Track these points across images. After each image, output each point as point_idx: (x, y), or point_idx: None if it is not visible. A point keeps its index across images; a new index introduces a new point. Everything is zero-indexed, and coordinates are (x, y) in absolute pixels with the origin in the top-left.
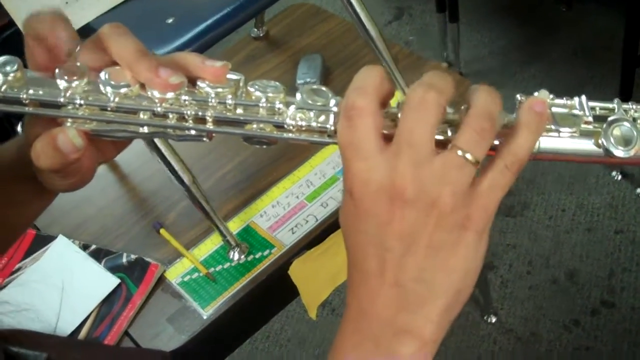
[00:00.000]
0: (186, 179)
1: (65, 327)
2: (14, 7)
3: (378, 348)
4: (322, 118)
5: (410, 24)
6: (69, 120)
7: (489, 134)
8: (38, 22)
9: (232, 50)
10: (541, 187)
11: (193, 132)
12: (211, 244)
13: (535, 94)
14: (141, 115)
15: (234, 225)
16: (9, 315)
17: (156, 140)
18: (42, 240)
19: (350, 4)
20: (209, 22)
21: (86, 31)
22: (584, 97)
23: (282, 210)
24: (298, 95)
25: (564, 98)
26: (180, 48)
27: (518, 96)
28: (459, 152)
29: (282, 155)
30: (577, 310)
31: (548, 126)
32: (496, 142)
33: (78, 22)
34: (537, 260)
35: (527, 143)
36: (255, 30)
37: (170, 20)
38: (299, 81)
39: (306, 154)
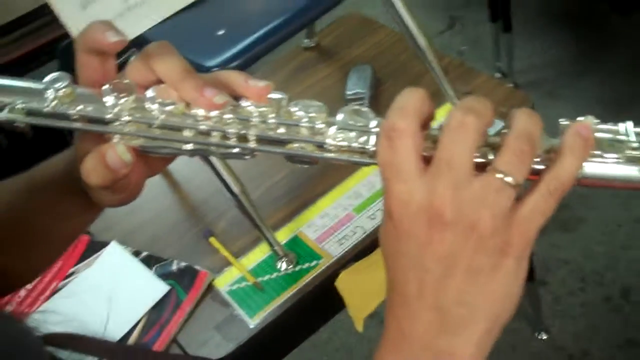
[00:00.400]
0: (236, 189)
1: (116, 333)
2: (68, 18)
3: None
4: (362, 139)
5: (462, 33)
6: (116, 136)
7: (528, 156)
8: (91, 31)
9: (283, 60)
10: (597, 202)
11: (236, 150)
12: (260, 253)
13: (580, 118)
14: (185, 133)
15: (282, 235)
16: (60, 325)
17: None
18: (96, 246)
19: (399, 16)
20: (259, 33)
21: (139, 42)
22: (629, 123)
23: (330, 221)
24: (339, 116)
25: (609, 123)
26: (231, 59)
27: (561, 121)
28: (499, 175)
29: (330, 166)
30: (632, 330)
31: (592, 151)
32: (539, 167)
33: (132, 33)
34: (590, 276)
35: (571, 168)
36: (306, 40)
37: (221, 32)
38: (348, 92)
39: (355, 165)
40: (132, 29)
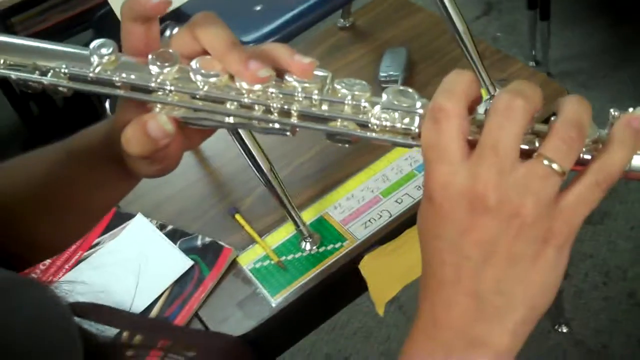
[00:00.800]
0: (264, 166)
1: (138, 305)
2: None
3: (450, 358)
4: (406, 120)
5: (499, 19)
6: (158, 106)
7: (577, 144)
8: (137, 3)
9: (318, 39)
10: (624, 195)
11: (277, 125)
12: (284, 233)
13: (631, 109)
14: (228, 106)
15: (308, 215)
16: (85, 295)
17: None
18: (121, 218)
19: None
20: (296, 11)
21: (177, 15)
22: None
23: (357, 204)
24: (384, 96)
25: None
26: (267, 35)
27: (612, 111)
28: (545, 162)
29: (360, 148)
30: None
31: None
32: (587, 157)
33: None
34: (614, 271)
35: (621, 160)
36: (342, 20)
37: (258, 8)
38: (382, 74)
39: (384, 148)
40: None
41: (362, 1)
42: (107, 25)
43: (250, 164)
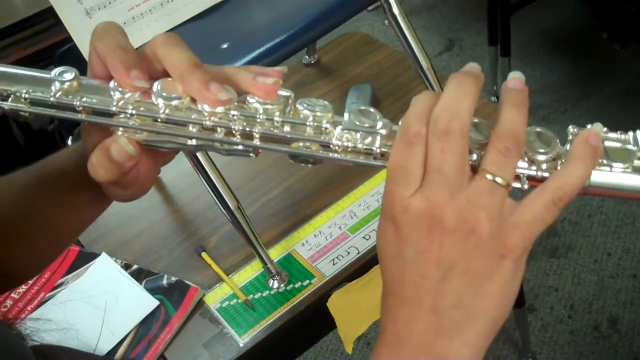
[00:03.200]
0: (231, 204)
1: (103, 347)
2: (72, 23)
3: None
4: (368, 140)
5: (460, 55)
6: (120, 129)
7: (514, 153)
8: (100, 42)
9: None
10: (587, 229)
11: (240, 147)
12: (251, 271)
13: (589, 126)
14: (190, 128)
15: (275, 253)
16: (51, 333)
17: (203, 162)
18: (85, 257)
19: (404, 35)
20: (262, 49)
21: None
22: (638, 132)
23: (324, 240)
24: (346, 116)
25: (618, 132)
26: None
27: (570, 128)
28: (489, 176)
29: (327, 184)
30: (619, 359)
31: (600, 160)
32: (545, 174)
33: (135, 43)
34: (579, 304)
35: (579, 177)
36: (307, 57)
37: (225, 46)
38: (347, 110)
39: (351, 184)
40: (136, 39)
41: (327, 38)
42: (69, 62)
43: (217, 201)
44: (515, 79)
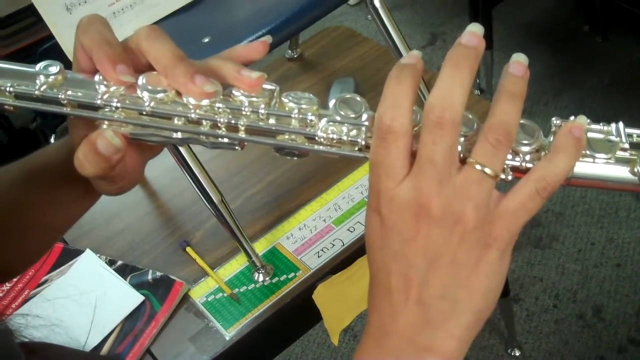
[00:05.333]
0: (215, 198)
1: (88, 342)
2: (53, 20)
3: None
4: (353, 132)
5: (443, 49)
6: (105, 122)
7: (504, 146)
8: (85, 36)
9: (266, 70)
10: (571, 219)
11: (225, 140)
12: (237, 265)
13: (572, 118)
14: (175, 121)
15: (260, 247)
16: (39, 329)
17: (186, 157)
18: (70, 254)
19: (386, 28)
20: (244, 42)
21: None
22: (621, 124)
23: (309, 233)
24: (331, 107)
25: (601, 124)
26: None
27: (554, 119)
28: (478, 167)
29: (311, 178)
30: (604, 347)
31: (583, 151)
32: (529, 165)
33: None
34: (563, 294)
35: (562, 169)
36: (290, 51)
37: (206, 40)
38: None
39: (335, 177)
40: (117, 34)
41: (309, 32)
42: (52, 59)
43: (201, 196)
44: (517, 62)
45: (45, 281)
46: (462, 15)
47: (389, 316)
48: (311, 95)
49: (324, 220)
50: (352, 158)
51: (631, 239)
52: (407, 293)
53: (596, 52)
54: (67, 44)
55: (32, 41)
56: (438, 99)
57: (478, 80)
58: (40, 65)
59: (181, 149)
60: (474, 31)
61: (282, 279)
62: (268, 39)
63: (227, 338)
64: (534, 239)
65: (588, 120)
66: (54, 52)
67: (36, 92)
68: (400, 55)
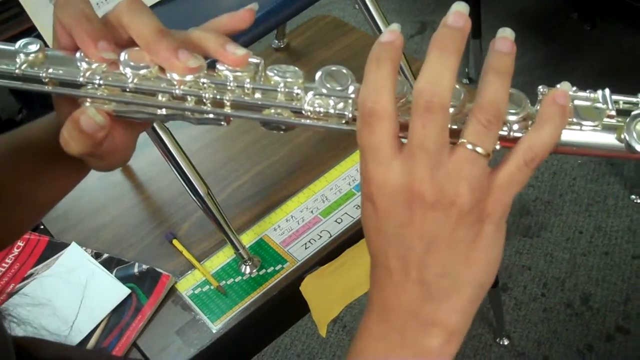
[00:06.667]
0: (201, 190)
1: (74, 336)
2: (35, 11)
3: (404, 339)
4: (340, 105)
5: None
6: (88, 100)
7: (495, 125)
8: (64, 13)
9: None
10: (559, 208)
11: (211, 115)
12: (223, 257)
13: (558, 85)
14: (159, 97)
15: (247, 238)
16: (26, 308)
17: (171, 149)
18: (55, 248)
19: (372, 18)
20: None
21: None
22: (607, 91)
23: (296, 225)
24: (317, 79)
25: (588, 91)
26: None
27: (540, 88)
28: (469, 146)
29: (298, 169)
30: (592, 336)
31: (570, 119)
32: (517, 135)
33: None
34: (552, 282)
35: (549, 138)
36: (276, 41)
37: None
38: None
39: (323, 168)
40: None
41: (296, 22)
42: None
43: (187, 188)
44: (504, 38)
45: (31, 275)
46: (451, 3)
47: (391, 293)
48: (296, 68)
49: (312, 212)
50: (339, 131)
51: (619, 228)
52: (407, 273)
53: (585, 40)
54: (50, 36)
55: (17, 32)
56: (426, 83)
57: (467, 70)
58: (19, 43)
59: (166, 140)
60: (460, 10)
61: (269, 270)
62: (254, 6)
63: (214, 331)
64: (522, 228)
65: (574, 88)
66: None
67: (17, 71)
68: None
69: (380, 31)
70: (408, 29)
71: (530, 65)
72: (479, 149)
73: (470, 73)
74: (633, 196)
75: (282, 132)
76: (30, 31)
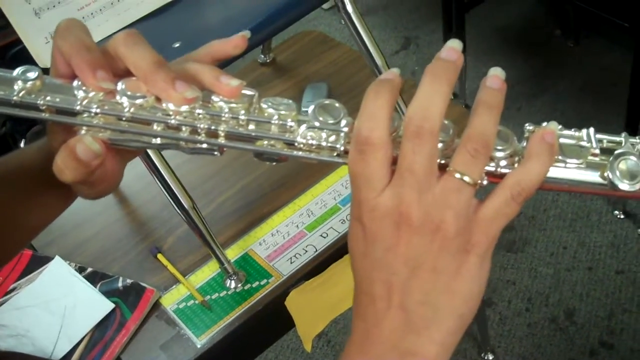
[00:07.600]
0: (186, 204)
1: (57, 351)
2: (20, 24)
3: None
4: (332, 138)
5: (417, 53)
6: (84, 128)
7: (482, 155)
8: (64, 41)
9: (239, 75)
10: (543, 223)
11: (205, 145)
12: (208, 271)
13: (545, 124)
14: (155, 127)
15: (232, 253)
16: (5, 340)
17: (157, 163)
18: (39, 261)
19: (358, 33)
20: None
21: None
22: (592, 130)
23: (282, 239)
24: (310, 113)
25: (573, 129)
26: None
27: (527, 125)
28: (457, 175)
29: (283, 184)
30: (576, 351)
31: (556, 157)
32: (505, 171)
33: None
34: (536, 297)
35: (536, 174)
36: (262, 56)
37: (177, 45)
38: (303, 109)
39: (308, 183)
40: None
41: (282, 37)
42: (21, 63)
43: (172, 202)
44: (495, 76)
45: (14, 289)
46: (435, 19)
47: (372, 323)
48: (290, 100)
49: (297, 226)
50: (331, 164)
51: (602, 243)
52: (389, 299)
53: (568, 57)
54: (35, 49)
55: (2, 44)
56: (417, 109)
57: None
58: (18, 71)
59: (151, 154)
60: (453, 46)
61: (254, 285)
62: (247, 33)
63: (199, 346)
64: (506, 243)
65: (560, 126)
66: (24, 56)
67: (14, 98)
68: (373, 60)
69: (366, 47)
70: (392, 44)
71: (513, 81)
72: (466, 178)
73: (454, 88)
74: (616, 212)
75: (268, 164)
76: (18, 43)
